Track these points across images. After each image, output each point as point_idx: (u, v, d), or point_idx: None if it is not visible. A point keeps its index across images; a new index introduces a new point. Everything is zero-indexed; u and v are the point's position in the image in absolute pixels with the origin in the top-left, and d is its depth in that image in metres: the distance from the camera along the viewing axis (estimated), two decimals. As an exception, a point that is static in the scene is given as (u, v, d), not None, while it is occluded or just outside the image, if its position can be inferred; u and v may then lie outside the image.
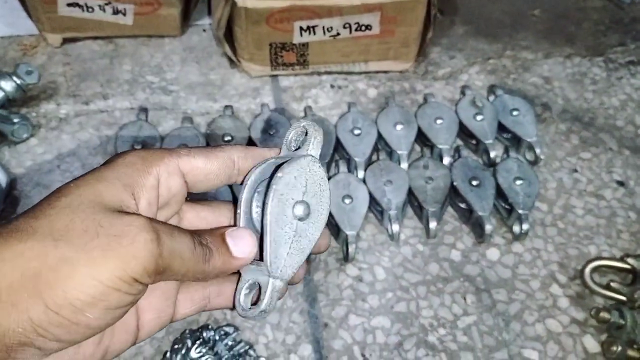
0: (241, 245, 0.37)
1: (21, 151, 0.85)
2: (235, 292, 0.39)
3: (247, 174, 0.39)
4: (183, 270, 0.34)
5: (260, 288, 0.38)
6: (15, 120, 0.84)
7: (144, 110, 0.87)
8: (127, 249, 0.31)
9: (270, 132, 0.85)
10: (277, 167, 0.38)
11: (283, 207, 0.37)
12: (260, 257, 0.37)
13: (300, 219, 0.38)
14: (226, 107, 0.89)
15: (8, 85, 0.84)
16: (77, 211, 0.32)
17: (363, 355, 0.68)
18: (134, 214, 0.34)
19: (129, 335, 0.37)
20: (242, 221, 0.39)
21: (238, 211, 0.40)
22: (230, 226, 0.39)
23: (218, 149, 0.39)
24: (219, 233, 0.38)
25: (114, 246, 0.31)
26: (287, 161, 0.38)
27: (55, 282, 0.30)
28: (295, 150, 0.40)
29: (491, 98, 0.94)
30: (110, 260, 0.30)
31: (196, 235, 0.36)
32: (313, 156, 0.38)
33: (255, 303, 0.39)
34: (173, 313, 0.39)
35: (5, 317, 0.30)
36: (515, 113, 0.89)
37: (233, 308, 0.40)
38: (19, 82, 0.84)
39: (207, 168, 0.38)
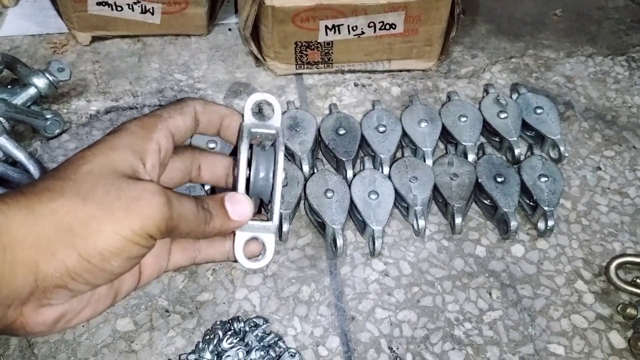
0: (238, 209, 0.44)
1: (53, 146, 0.87)
2: (234, 249, 0.46)
3: (238, 141, 0.46)
4: (187, 230, 0.41)
5: (260, 243, 0.48)
6: (48, 116, 0.86)
7: (172, 107, 0.89)
8: (145, 210, 0.37)
9: (296, 129, 0.86)
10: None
11: (282, 175, 0.48)
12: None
13: (284, 186, 0.51)
14: (252, 104, 0.91)
15: (40, 82, 0.86)
16: (99, 177, 0.38)
17: (390, 348, 0.69)
18: (147, 180, 0.40)
19: (134, 278, 0.44)
20: (240, 184, 0.46)
21: (235, 174, 0.47)
22: (228, 190, 0.47)
23: (184, 104, 0.46)
24: (218, 198, 0.44)
25: (133, 207, 0.37)
26: (275, 131, 0.48)
27: (86, 235, 0.36)
28: (255, 115, 0.49)
29: (514, 96, 0.95)
30: (131, 219, 0.37)
31: (199, 200, 0.42)
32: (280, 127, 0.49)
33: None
34: (168, 261, 0.47)
35: (45, 264, 0.35)
36: (539, 111, 0.90)
37: (224, 261, 0.49)
38: (51, 78, 0.86)
39: (185, 125, 0.44)
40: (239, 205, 0.44)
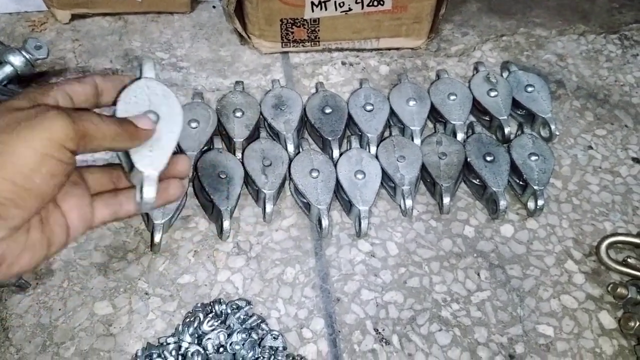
0: (142, 121, 0.45)
1: (31, 127, 0.84)
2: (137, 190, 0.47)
3: (117, 96, 0.46)
4: (99, 134, 0.42)
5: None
6: (25, 95, 0.83)
7: (153, 85, 0.86)
8: (48, 122, 0.39)
9: (281, 108, 0.84)
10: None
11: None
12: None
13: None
14: (237, 83, 0.88)
15: (17, 60, 0.83)
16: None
17: (376, 330, 0.67)
18: (40, 104, 0.41)
19: (62, 229, 0.45)
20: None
21: None
22: None
23: (82, 77, 0.47)
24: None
25: (35, 124, 0.39)
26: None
27: (3, 159, 0.38)
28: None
29: (505, 74, 0.93)
30: (37, 133, 0.38)
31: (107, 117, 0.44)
32: (148, 77, 0.48)
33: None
34: (93, 216, 0.47)
35: None
36: (529, 89, 0.88)
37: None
38: (27, 57, 0.83)
39: (83, 91, 0.45)
40: (142, 119, 0.46)
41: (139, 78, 0.49)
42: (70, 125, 0.40)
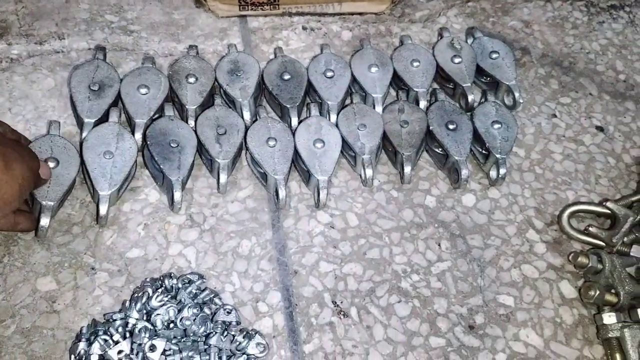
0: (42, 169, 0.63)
1: (-32, 93, 0.79)
2: None
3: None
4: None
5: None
6: (-40, 59, 0.77)
7: (101, 49, 0.81)
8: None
9: (237, 74, 0.80)
10: None
11: None
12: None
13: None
14: (190, 47, 0.84)
15: (-49, 22, 0.77)
16: None
17: (334, 302, 0.65)
18: None
19: None
20: None
21: None
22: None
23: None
24: None
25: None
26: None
27: None
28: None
29: (470, 41, 0.90)
30: None
31: None
32: (52, 134, 0.70)
33: None
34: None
35: None
36: (494, 56, 0.86)
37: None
38: (-37, 18, 0.78)
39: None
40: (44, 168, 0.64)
41: (47, 134, 0.69)
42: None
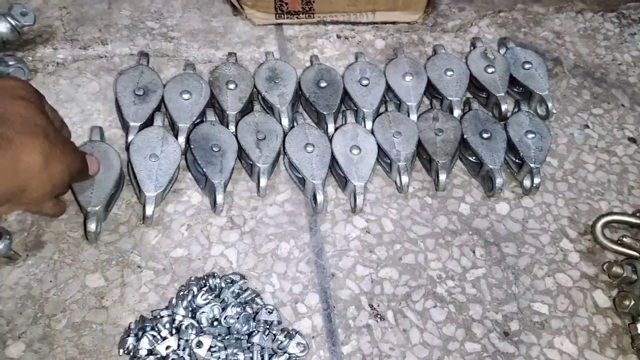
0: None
1: (17, 96, 0.81)
2: None
3: None
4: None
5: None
6: (11, 62, 0.80)
7: (144, 55, 0.83)
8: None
9: (275, 81, 0.82)
10: None
11: None
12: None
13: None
14: (230, 54, 0.86)
15: (2, 27, 0.80)
16: None
17: (371, 306, 0.67)
18: None
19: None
20: None
21: None
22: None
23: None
24: None
25: None
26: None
27: None
28: None
29: (502, 51, 0.91)
30: None
31: None
32: (94, 140, 0.73)
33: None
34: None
35: None
36: (527, 66, 0.87)
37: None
38: (13, 23, 0.81)
39: None
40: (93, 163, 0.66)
41: (89, 141, 0.72)
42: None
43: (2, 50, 0.83)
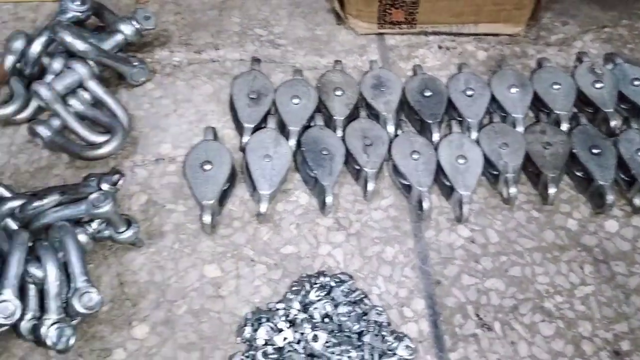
0: None
1: (138, 94, 0.87)
2: None
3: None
4: None
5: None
6: (135, 63, 0.85)
7: (257, 60, 0.87)
8: None
9: (381, 89, 0.84)
10: None
11: None
12: None
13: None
14: (336, 62, 0.89)
15: (127, 29, 0.86)
16: None
17: (477, 315, 0.67)
18: None
19: None
20: None
21: None
22: None
23: None
24: None
25: None
26: None
27: None
28: None
29: (609, 66, 0.90)
30: None
31: None
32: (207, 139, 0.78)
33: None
34: None
35: None
36: (636, 83, 0.85)
37: None
38: (137, 26, 0.86)
39: None
40: None
41: (203, 140, 0.76)
42: None
43: (125, 51, 0.88)
